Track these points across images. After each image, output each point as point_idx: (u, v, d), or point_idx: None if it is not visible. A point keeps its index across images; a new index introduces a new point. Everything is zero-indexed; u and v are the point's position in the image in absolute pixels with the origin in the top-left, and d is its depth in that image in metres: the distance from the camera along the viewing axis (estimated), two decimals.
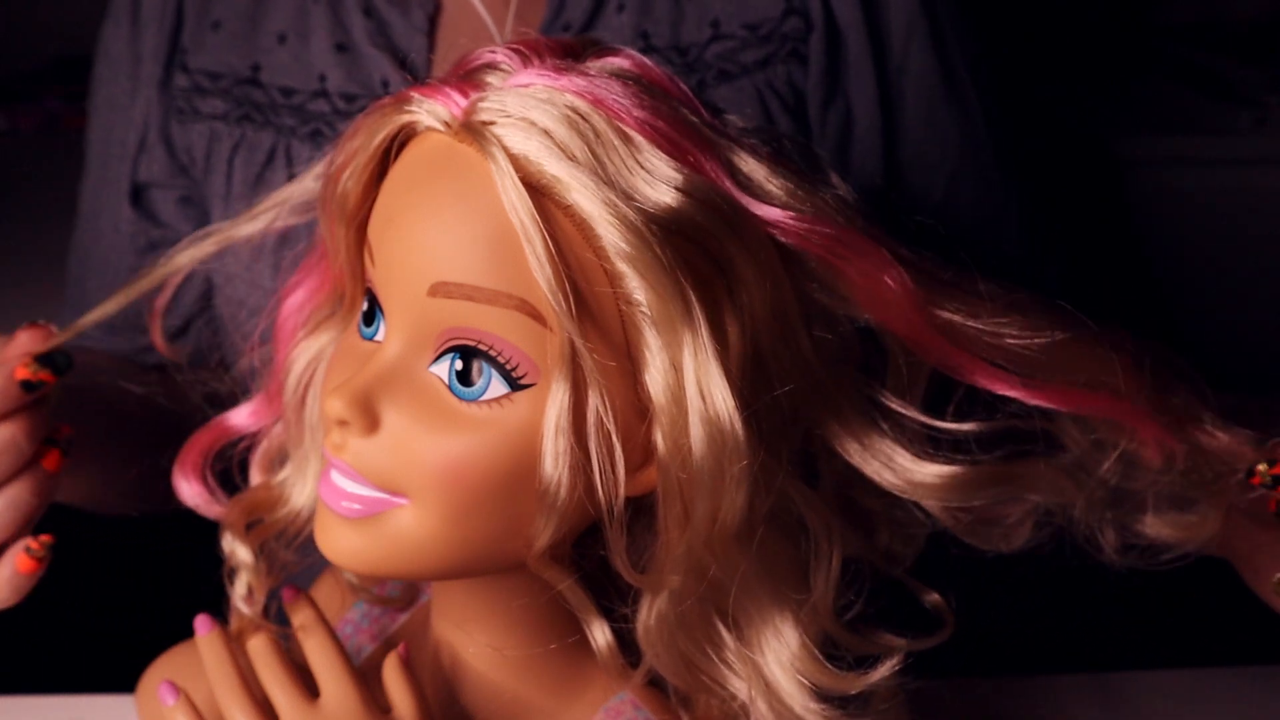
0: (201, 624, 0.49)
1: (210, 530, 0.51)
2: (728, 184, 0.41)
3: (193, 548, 0.59)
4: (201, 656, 0.48)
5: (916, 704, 0.46)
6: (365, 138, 0.43)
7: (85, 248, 0.80)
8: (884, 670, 0.43)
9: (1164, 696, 0.64)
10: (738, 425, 0.38)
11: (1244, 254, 1.44)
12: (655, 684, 0.47)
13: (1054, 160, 1.37)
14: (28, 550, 0.50)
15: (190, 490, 0.52)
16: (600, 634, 0.44)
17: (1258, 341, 1.47)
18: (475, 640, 0.48)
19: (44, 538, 0.51)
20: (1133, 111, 1.50)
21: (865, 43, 0.71)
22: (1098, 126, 1.44)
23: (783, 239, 0.41)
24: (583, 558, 0.44)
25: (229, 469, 0.54)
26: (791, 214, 0.41)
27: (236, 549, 0.50)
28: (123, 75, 0.76)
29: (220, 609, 0.50)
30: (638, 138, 0.39)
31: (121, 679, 0.59)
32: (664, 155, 0.39)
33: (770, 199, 0.42)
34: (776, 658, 0.43)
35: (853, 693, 0.43)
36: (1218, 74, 1.56)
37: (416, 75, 0.69)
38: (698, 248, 0.39)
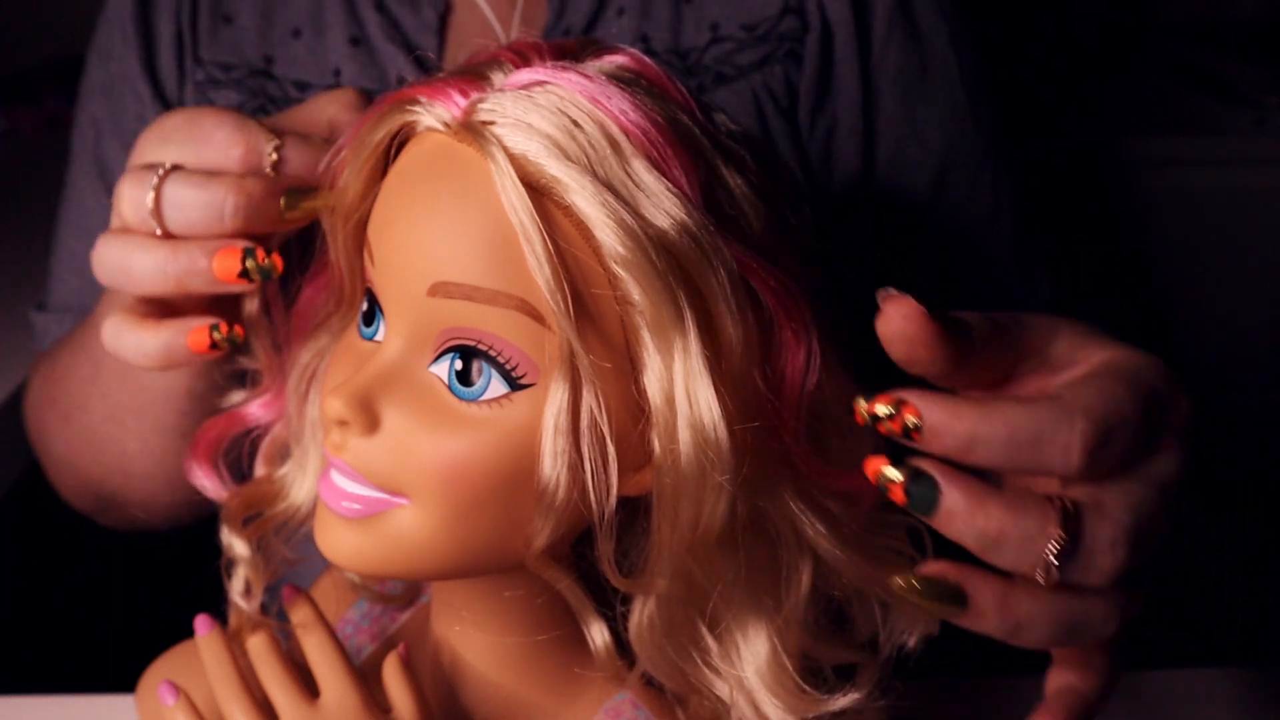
0: (201, 624, 0.49)
1: (210, 531, 0.51)
2: (703, 210, 0.40)
3: (193, 548, 0.59)
4: (201, 656, 0.48)
5: (913, 703, 0.46)
6: (365, 136, 0.43)
7: (69, 246, 0.77)
8: (865, 682, 0.43)
9: (1164, 696, 0.64)
10: (722, 434, 0.38)
11: (1244, 254, 1.44)
12: (654, 684, 0.47)
13: (1052, 160, 1.37)
14: (212, 329, 0.47)
15: (202, 476, 0.52)
16: (599, 634, 0.44)
17: (1257, 342, 1.47)
18: (475, 640, 0.48)
19: (237, 327, 0.47)
20: (1133, 111, 1.50)
21: (852, 41, 0.71)
22: (1098, 126, 1.44)
23: (745, 276, 0.40)
24: (581, 557, 0.44)
25: (240, 458, 0.54)
26: (756, 256, 0.40)
27: (234, 543, 0.50)
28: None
29: (220, 609, 0.50)
30: (631, 146, 0.39)
31: (121, 679, 0.59)
32: (654, 170, 0.39)
33: (747, 227, 0.41)
34: (755, 664, 0.42)
35: (836, 703, 0.43)
36: (1218, 74, 1.56)
37: (430, 72, 0.69)
38: (682, 263, 0.39)
